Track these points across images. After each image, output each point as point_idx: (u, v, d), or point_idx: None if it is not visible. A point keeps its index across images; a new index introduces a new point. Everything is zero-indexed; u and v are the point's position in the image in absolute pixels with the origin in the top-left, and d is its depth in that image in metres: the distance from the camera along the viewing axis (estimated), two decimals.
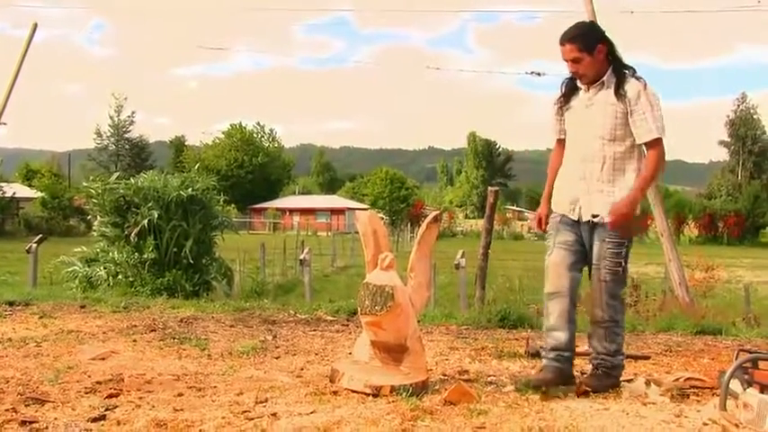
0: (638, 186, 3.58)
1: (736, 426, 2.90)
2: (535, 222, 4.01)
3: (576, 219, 3.66)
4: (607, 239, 3.60)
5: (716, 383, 3.55)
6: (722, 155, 65.58)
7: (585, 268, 3.72)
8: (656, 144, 3.57)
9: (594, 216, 3.59)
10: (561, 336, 3.64)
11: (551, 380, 3.58)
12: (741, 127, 61.76)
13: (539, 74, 15.06)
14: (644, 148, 3.62)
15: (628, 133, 3.57)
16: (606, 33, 3.69)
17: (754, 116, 62.71)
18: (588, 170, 3.63)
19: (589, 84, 3.65)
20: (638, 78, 3.60)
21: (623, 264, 3.65)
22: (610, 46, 3.62)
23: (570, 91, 3.75)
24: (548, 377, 3.60)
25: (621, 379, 3.79)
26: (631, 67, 3.65)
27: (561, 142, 3.87)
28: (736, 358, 3.30)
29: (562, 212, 3.73)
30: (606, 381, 3.66)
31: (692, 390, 3.68)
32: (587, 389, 3.57)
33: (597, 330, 3.66)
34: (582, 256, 3.68)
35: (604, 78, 3.61)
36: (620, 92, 3.56)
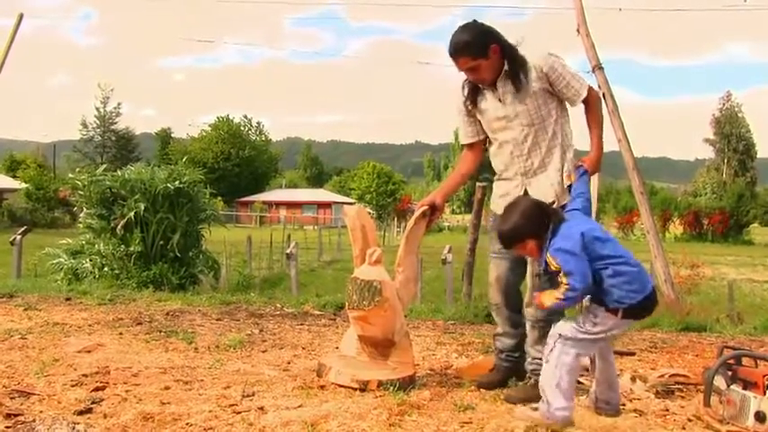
0: (599, 140, 3.45)
1: (720, 422, 2.93)
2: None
3: None
4: None
5: (700, 380, 3.59)
6: (707, 153, 66.09)
7: None
8: (589, 92, 3.44)
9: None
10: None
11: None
12: (726, 125, 62.21)
13: None
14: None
15: (549, 112, 3.42)
16: (491, 27, 3.42)
17: (739, 115, 63.18)
18: (527, 160, 3.46)
19: (491, 83, 3.45)
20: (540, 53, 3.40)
21: None
22: (499, 39, 3.37)
23: (473, 91, 3.53)
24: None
25: None
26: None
27: (471, 146, 3.71)
28: (720, 355, 3.33)
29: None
30: (536, 392, 3.18)
31: (677, 386, 3.72)
32: (511, 402, 3.29)
33: (532, 332, 3.44)
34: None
35: (506, 68, 3.40)
36: (526, 73, 3.38)
